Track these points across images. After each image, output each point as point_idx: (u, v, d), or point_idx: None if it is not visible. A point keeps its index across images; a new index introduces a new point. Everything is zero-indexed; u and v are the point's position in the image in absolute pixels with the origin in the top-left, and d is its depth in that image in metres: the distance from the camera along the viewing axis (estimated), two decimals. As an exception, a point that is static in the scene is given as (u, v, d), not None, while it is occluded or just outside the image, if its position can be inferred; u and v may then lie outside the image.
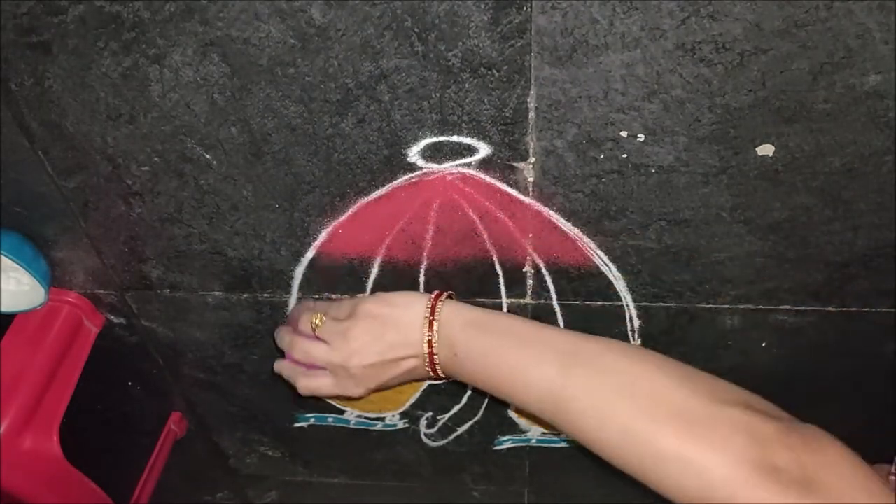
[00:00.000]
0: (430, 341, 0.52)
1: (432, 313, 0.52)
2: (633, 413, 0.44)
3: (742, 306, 0.61)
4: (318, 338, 0.56)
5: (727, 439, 0.41)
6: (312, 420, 0.84)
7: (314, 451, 0.91)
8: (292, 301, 0.67)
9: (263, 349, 0.73)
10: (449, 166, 0.53)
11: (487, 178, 0.54)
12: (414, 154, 0.53)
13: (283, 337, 0.60)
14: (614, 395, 0.45)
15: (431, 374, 0.54)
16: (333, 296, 0.65)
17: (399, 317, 0.53)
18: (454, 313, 0.52)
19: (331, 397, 0.56)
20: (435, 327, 0.52)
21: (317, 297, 0.66)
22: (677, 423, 0.43)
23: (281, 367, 0.60)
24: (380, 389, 0.56)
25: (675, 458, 0.42)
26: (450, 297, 0.54)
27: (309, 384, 0.57)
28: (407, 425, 0.82)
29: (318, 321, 0.56)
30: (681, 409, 0.44)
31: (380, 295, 0.56)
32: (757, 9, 0.42)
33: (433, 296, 0.53)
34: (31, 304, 0.66)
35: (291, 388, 0.59)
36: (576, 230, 0.57)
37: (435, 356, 0.52)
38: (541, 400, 0.48)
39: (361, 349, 0.53)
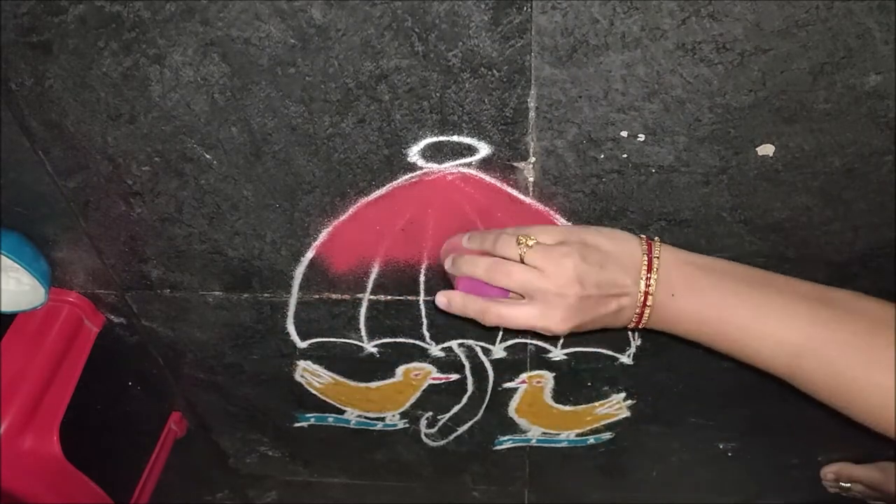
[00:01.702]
0: (648, 280, 0.47)
1: (650, 252, 0.48)
2: (892, 356, 0.41)
3: (742, 306, 0.60)
4: (522, 262, 0.49)
5: None
6: (312, 420, 0.84)
7: (314, 451, 0.91)
8: (293, 301, 0.67)
9: (263, 349, 0.73)
10: (449, 166, 0.53)
11: (488, 178, 0.54)
12: (414, 154, 0.53)
13: (476, 261, 0.51)
14: (875, 342, 0.41)
15: (635, 320, 0.49)
16: (334, 295, 0.65)
17: (619, 252, 0.48)
18: (673, 254, 0.48)
19: (525, 328, 0.49)
20: (654, 266, 0.47)
21: (316, 310, 0.66)
22: None
23: (451, 298, 0.52)
24: (581, 330, 0.50)
25: None
26: (663, 241, 0.50)
27: (505, 312, 0.49)
28: (407, 425, 0.82)
29: (529, 242, 0.49)
30: None
31: (592, 227, 0.51)
32: (757, 9, 0.42)
33: (645, 237, 0.49)
34: (31, 304, 0.67)
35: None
36: (576, 230, 0.57)
37: (650, 296, 0.48)
38: (782, 346, 0.44)
39: (582, 278, 0.47)
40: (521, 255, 0.49)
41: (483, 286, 0.51)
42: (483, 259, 0.51)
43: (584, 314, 0.48)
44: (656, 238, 0.50)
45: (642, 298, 0.48)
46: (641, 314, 0.49)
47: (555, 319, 0.48)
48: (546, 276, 0.48)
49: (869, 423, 0.43)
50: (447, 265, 0.54)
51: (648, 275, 0.47)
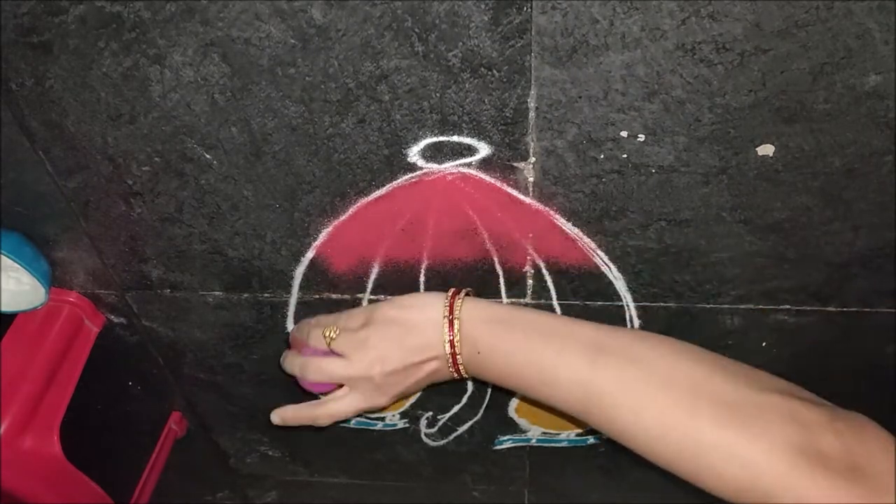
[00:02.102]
0: (451, 341, 0.50)
1: (451, 312, 0.50)
2: (669, 403, 0.42)
3: (742, 306, 0.61)
4: (332, 353, 0.54)
5: (770, 426, 0.39)
6: (312, 420, 0.84)
7: (314, 450, 0.91)
8: (293, 301, 0.67)
9: (264, 349, 0.73)
10: (449, 166, 0.53)
11: (488, 178, 0.54)
12: (414, 154, 0.53)
13: (293, 361, 0.57)
14: (648, 386, 0.43)
15: (455, 374, 0.52)
16: (334, 296, 0.65)
17: (417, 319, 0.51)
18: (474, 310, 0.51)
19: (356, 415, 0.54)
20: (456, 326, 0.50)
21: (316, 310, 0.66)
22: (717, 411, 0.41)
23: (285, 415, 0.58)
24: (403, 396, 0.54)
25: (715, 448, 0.40)
26: (467, 294, 0.53)
27: (330, 409, 0.54)
28: (407, 425, 0.82)
29: (332, 334, 0.53)
30: (719, 397, 0.42)
31: (393, 299, 0.54)
32: (757, 9, 0.42)
33: (450, 294, 0.52)
34: (31, 304, 0.67)
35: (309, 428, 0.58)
36: (576, 230, 0.57)
37: (458, 356, 0.50)
38: (570, 395, 0.46)
39: (384, 356, 0.51)
40: (328, 346, 0.53)
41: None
42: (298, 359, 0.56)
43: (397, 386, 0.52)
44: (462, 293, 0.52)
45: (451, 358, 0.51)
46: (457, 369, 0.51)
47: (374, 398, 0.53)
48: (351, 362, 0.52)
49: (649, 459, 0.44)
50: (281, 361, 0.60)
51: (451, 335, 0.50)
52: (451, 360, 0.51)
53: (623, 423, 0.44)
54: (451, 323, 0.50)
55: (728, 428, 0.40)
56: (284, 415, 0.57)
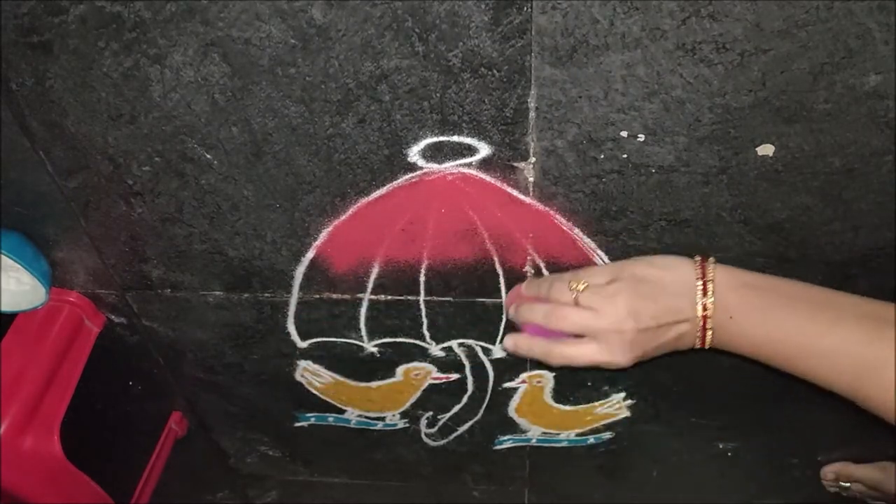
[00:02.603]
0: (704, 305, 0.48)
1: (704, 275, 0.49)
2: None
3: (742, 306, 0.60)
4: (578, 306, 0.51)
5: None
6: (313, 420, 0.84)
7: (314, 450, 0.91)
8: (293, 301, 0.67)
9: (264, 349, 0.73)
10: (449, 166, 0.53)
11: (488, 178, 0.54)
12: (414, 154, 0.53)
13: (534, 308, 0.54)
14: None
15: (699, 342, 0.50)
16: (334, 295, 0.65)
17: (671, 280, 0.49)
18: (729, 275, 0.49)
19: (590, 366, 0.51)
20: (710, 289, 0.48)
21: (316, 309, 0.66)
22: None
23: (518, 341, 0.55)
24: (644, 358, 0.52)
25: None
26: (716, 261, 0.50)
27: (569, 351, 0.51)
28: (407, 425, 0.82)
29: (579, 286, 0.51)
30: None
31: (641, 258, 0.52)
32: (757, 9, 0.42)
33: (699, 259, 0.50)
34: (31, 304, 0.67)
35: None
36: (576, 230, 0.57)
37: (709, 320, 0.48)
38: (842, 367, 0.44)
39: (636, 312, 0.49)
40: (574, 299, 0.51)
41: (548, 329, 0.52)
42: (541, 305, 0.53)
43: (645, 345, 0.50)
44: (711, 258, 0.50)
45: (701, 323, 0.49)
46: (703, 337, 0.49)
47: (617, 354, 0.50)
48: (601, 315, 0.50)
49: None
50: (510, 313, 0.57)
51: (704, 299, 0.48)
52: (700, 326, 0.49)
53: None
54: (704, 287, 0.48)
55: None
56: (518, 341, 0.55)
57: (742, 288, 0.48)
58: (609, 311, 0.49)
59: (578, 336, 0.51)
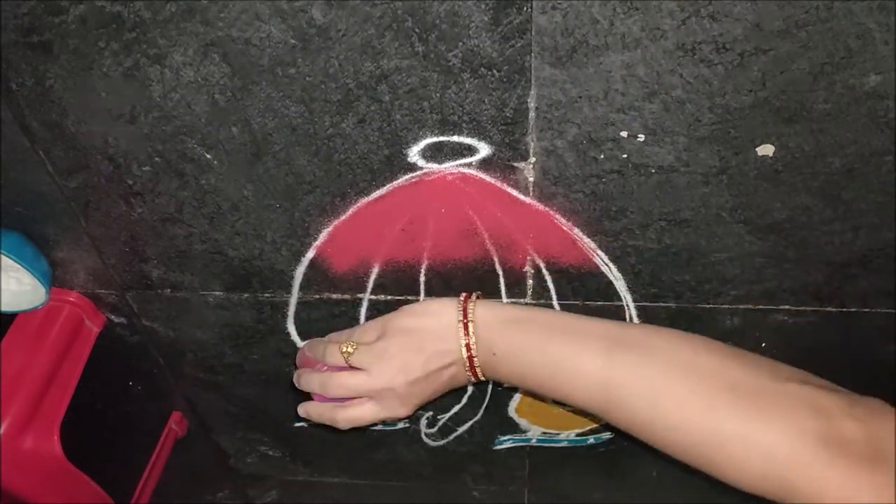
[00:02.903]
0: (467, 344, 0.50)
1: (465, 316, 0.51)
2: (687, 393, 0.42)
3: (742, 306, 0.61)
4: (349, 368, 0.53)
5: (790, 415, 0.39)
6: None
7: (314, 450, 0.91)
8: (293, 301, 0.67)
9: (264, 349, 0.73)
10: (449, 166, 0.53)
11: (488, 178, 0.54)
12: (414, 154, 0.53)
13: (311, 378, 0.56)
14: (666, 378, 0.43)
15: (472, 378, 0.52)
16: (334, 295, 0.65)
17: (433, 326, 0.51)
18: (488, 312, 0.51)
19: (375, 423, 0.55)
20: (471, 329, 0.50)
21: (316, 309, 0.66)
22: (735, 400, 0.41)
23: (309, 409, 0.57)
24: (423, 405, 0.54)
25: (735, 438, 0.40)
26: (478, 297, 0.53)
27: (351, 415, 0.54)
28: (407, 425, 0.82)
29: (349, 349, 0.53)
30: (737, 386, 0.41)
31: (404, 309, 0.54)
32: (757, 9, 0.42)
33: (462, 298, 0.52)
34: (31, 304, 0.67)
35: (322, 426, 0.58)
36: (576, 230, 0.57)
37: (475, 359, 0.50)
38: (588, 391, 0.46)
39: (404, 366, 0.51)
40: (347, 361, 0.53)
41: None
42: (317, 374, 0.55)
43: (420, 395, 0.53)
44: (473, 296, 0.52)
45: (468, 362, 0.51)
46: (474, 373, 0.52)
47: (395, 409, 0.53)
48: (372, 375, 0.52)
49: (669, 452, 0.45)
50: (295, 381, 0.58)
51: (466, 338, 0.50)
52: (468, 364, 0.51)
53: (642, 417, 0.44)
54: (465, 326, 0.50)
55: (747, 417, 0.40)
56: (308, 409, 0.57)
57: (501, 324, 0.50)
58: (379, 370, 0.51)
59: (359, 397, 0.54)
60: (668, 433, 0.43)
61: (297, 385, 0.58)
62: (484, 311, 0.51)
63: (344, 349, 0.53)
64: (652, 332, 0.47)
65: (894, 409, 0.41)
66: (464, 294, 0.53)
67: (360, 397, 0.54)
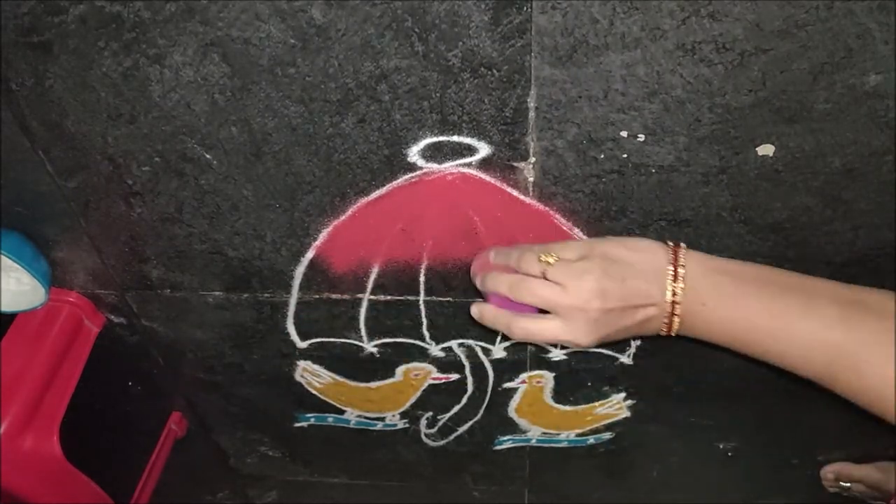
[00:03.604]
0: (674, 290, 0.47)
1: (675, 261, 0.47)
2: None
3: (742, 306, 0.60)
4: (546, 280, 0.50)
5: None
6: (312, 420, 0.84)
7: (314, 451, 0.91)
8: (293, 301, 0.67)
9: (264, 349, 0.73)
10: (449, 166, 0.53)
11: (488, 178, 0.54)
12: (414, 154, 0.53)
13: (500, 278, 0.52)
14: None
15: (664, 329, 0.49)
16: (334, 295, 0.65)
17: (642, 262, 0.48)
18: (701, 261, 0.48)
19: (552, 342, 0.52)
20: (681, 275, 0.47)
21: (316, 310, 0.66)
22: None
23: (484, 311, 0.53)
24: (608, 340, 0.50)
25: None
26: (688, 248, 0.49)
27: (531, 326, 0.50)
28: (407, 425, 0.82)
29: (550, 259, 0.49)
30: None
31: (615, 238, 0.51)
32: (757, 9, 0.42)
33: (672, 245, 0.49)
34: (31, 304, 0.67)
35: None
36: (576, 230, 0.57)
37: (677, 307, 0.47)
38: (814, 354, 0.43)
39: (604, 291, 0.47)
40: (543, 272, 0.49)
41: (514, 301, 0.51)
42: (508, 276, 0.51)
43: (609, 326, 0.49)
44: (683, 245, 0.49)
45: (669, 308, 0.47)
46: (670, 323, 0.48)
47: (579, 333, 0.49)
48: (568, 291, 0.48)
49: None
50: (477, 282, 0.55)
51: (675, 284, 0.47)
52: (668, 312, 0.48)
53: (876, 385, 0.42)
54: (675, 272, 0.47)
55: None
56: (483, 311, 0.53)
57: (714, 274, 0.47)
58: (576, 288, 0.48)
59: (544, 311, 0.50)
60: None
61: (479, 286, 0.55)
62: (696, 260, 0.48)
63: (543, 257, 0.50)
64: (885, 296, 0.44)
65: None
66: (672, 242, 0.50)
67: (546, 313, 0.50)
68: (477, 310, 0.54)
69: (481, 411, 0.78)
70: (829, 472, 0.81)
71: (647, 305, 0.48)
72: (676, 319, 0.48)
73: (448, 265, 0.61)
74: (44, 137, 0.54)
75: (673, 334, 0.49)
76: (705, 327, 0.48)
